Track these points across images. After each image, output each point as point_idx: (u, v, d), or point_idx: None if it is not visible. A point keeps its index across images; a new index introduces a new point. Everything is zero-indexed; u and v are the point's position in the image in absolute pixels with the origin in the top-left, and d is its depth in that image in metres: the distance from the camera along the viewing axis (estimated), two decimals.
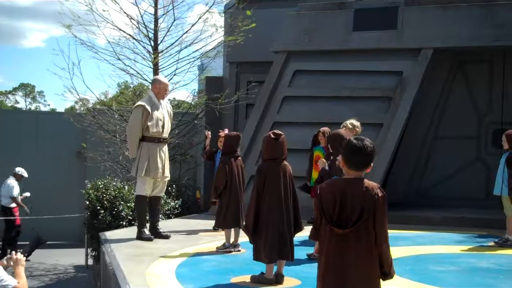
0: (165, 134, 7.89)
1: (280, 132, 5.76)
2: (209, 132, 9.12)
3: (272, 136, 5.68)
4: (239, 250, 7.16)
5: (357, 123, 7.33)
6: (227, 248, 7.15)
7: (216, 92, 13.07)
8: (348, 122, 7.30)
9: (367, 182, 3.42)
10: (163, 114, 7.79)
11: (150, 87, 8.94)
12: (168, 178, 8.02)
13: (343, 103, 11.00)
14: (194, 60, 13.45)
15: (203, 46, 13.48)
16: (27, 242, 4.98)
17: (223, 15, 14.79)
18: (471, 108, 11.85)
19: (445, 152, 11.78)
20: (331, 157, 6.46)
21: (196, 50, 13.60)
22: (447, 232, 9.08)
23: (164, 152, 7.86)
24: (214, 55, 13.99)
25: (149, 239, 7.72)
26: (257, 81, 12.94)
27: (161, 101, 7.85)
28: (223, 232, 7.45)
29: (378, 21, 11.53)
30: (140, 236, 7.80)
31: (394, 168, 11.54)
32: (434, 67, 11.31)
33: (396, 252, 6.89)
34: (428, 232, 9.01)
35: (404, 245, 7.76)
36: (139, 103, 7.79)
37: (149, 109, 7.60)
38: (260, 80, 12.61)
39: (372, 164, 3.49)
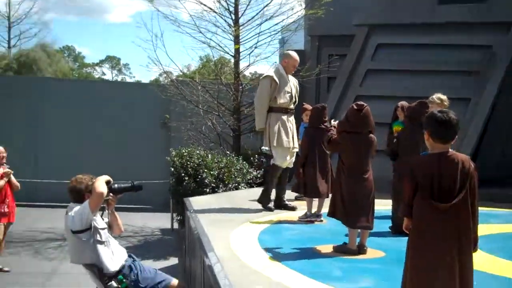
0: (292, 106, 7.97)
1: (363, 103, 5.76)
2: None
3: (355, 107, 5.68)
4: (321, 220, 7.21)
5: (444, 97, 7.23)
6: (309, 217, 7.22)
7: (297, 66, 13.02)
8: (435, 96, 7.21)
9: (458, 154, 3.44)
10: (291, 86, 7.92)
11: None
12: (297, 149, 8.02)
13: (427, 77, 10.81)
14: (275, 34, 13.49)
15: (284, 19, 13.50)
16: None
17: None
18: None
19: None
20: (409, 131, 6.48)
21: (277, 23, 13.62)
22: None
23: (292, 123, 7.95)
24: (295, 28, 13.96)
25: (270, 210, 7.86)
26: (338, 54, 12.87)
27: (289, 75, 7.94)
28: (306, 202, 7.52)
29: None
30: (265, 205, 7.94)
31: (484, 144, 11.18)
32: None
33: (486, 229, 6.71)
34: None
35: (495, 222, 7.56)
36: (267, 73, 7.86)
37: (277, 80, 7.69)
38: (341, 53, 12.54)
39: (456, 136, 3.51)
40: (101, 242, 4.93)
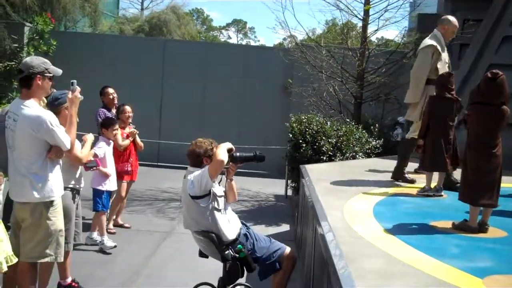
0: None
1: (499, 71, 5.28)
2: None
3: (489, 75, 5.23)
4: (441, 195, 6.85)
5: None
6: (427, 191, 6.88)
7: (428, 31, 12.33)
8: None
9: None
10: (447, 57, 7.52)
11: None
12: None
13: None
14: None
15: None
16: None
17: None
18: None
19: None
20: None
21: None
22: None
23: None
24: None
25: (412, 182, 7.58)
26: (475, 19, 11.95)
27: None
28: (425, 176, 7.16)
29: None
30: (404, 180, 7.67)
31: None
32: None
33: None
34: None
35: None
36: (429, 42, 7.40)
37: (440, 50, 7.29)
38: (479, 18, 11.62)
39: None
40: (219, 210, 4.92)
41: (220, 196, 4.97)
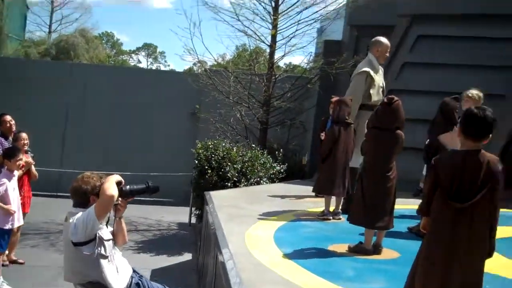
0: None
1: (395, 97, 5.38)
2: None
3: (385, 100, 5.32)
4: (339, 218, 6.89)
5: (479, 93, 6.75)
6: (326, 215, 6.90)
7: (333, 57, 12.65)
8: (471, 91, 6.73)
9: (486, 154, 3.28)
10: (381, 79, 7.46)
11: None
12: None
13: (467, 72, 10.20)
14: (314, 22, 13.11)
15: (324, 7, 13.09)
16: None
17: None
18: None
19: None
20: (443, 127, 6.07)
21: (317, 12, 13.20)
22: None
23: None
24: (334, 17, 13.55)
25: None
26: None
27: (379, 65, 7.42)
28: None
29: None
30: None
31: None
32: None
33: (509, 231, 6.36)
34: None
35: None
36: (362, 68, 7.29)
37: (373, 75, 7.22)
38: None
39: (490, 135, 3.31)
40: (105, 257, 4.14)
41: (108, 240, 4.19)
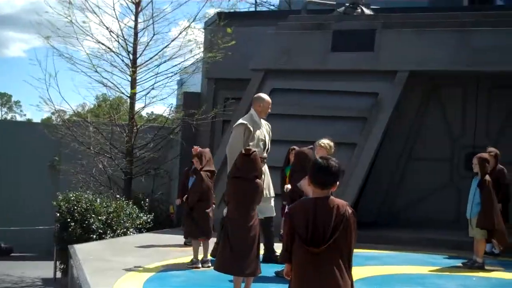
0: (265, 153, 7.60)
1: (252, 148, 5.79)
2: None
3: (243, 152, 5.69)
4: (208, 266, 7.08)
5: (330, 142, 7.35)
6: (195, 264, 7.11)
7: (193, 108, 13.09)
8: (322, 141, 7.32)
9: (336, 200, 3.49)
10: (264, 133, 7.65)
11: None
12: (274, 196, 7.68)
13: (318, 122, 11.04)
14: (173, 75, 13.52)
15: (182, 62, 13.56)
16: None
17: (203, 31, 14.87)
18: (444, 131, 11.98)
19: (418, 174, 11.86)
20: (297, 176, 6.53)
21: (175, 65, 13.65)
22: (417, 252, 9.12)
23: (265, 171, 7.53)
24: (193, 71, 14.07)
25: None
26: (234, 98, 12.96)
27: (262, 119, 7.63)
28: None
29: (355, 43, 11.63)
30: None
31: (367, 187, 11.59)
32: (410, 90, 11.44)
33: (365, 271, 7.01)
34: (398, 252, 9.03)
35: (373, 264, 7.77)
36: (241, 121, 7.43)
37: (251, 128, 7.35)
38: (237, 97, 12.62)
39: (337, 183, 3.57)
40: None
41: None
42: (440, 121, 12.01)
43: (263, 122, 7.68)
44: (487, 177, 7.95)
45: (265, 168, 7.62)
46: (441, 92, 12.09)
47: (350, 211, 3.45)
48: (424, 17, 11.80)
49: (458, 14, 11.86)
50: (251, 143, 7.40)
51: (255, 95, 7.91)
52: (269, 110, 7.68)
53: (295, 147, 8.12)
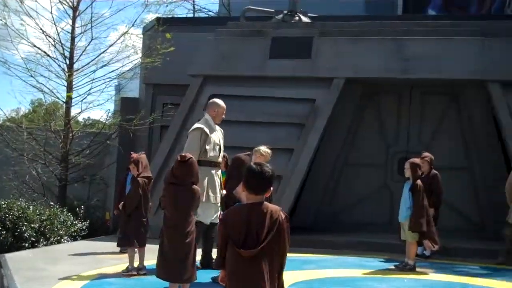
0: (220, 158, 7.64)
1: (189, 155, 5.79)
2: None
3: (179, 158, 5.69)
4: (144, 273, 7.04)
5: (268, 150, 7.46)
6: (130, 271, 7.05)
7: (131, 114, 12.96)
8: (261, 149, 7.42)
9: (269, 205, 3.56)
10: (219, 137, 7.58)
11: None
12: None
13: (257, 129, 11.14)
14: (110, 80, 13.37)
15: (120, 67, 13.42)
16: None
17: (141, 36, 14.75)
18: (379, 136, 12.29)
19: (354, 178, 12.12)
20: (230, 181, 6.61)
21: (113, 71, 13.49)
22: (352, 256, 9.31)
23: (219, 176, 7.59)
24: (131, 76, 13.94)
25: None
26: (173, 103, 12.90)
27: (216, 125, 7.62)
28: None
29: (294, 50, 11.80)
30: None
31: (305, 192, 11.76)
32: (346, 96, 11.68)
33: (301, 275, 7.13)
34: (334, 256, 9.21)
35: (309, 268, 7.88)
36: (197, 125, 7.45)
37: (208, 132, 7.35)
38: (176, 102, 12.57)
39: (271, 188, 3.64)
40: None
41: None
42: (374, 127, 12.32)
43: (217, 127, 7.75)
44: (419, 182, 8.23)
45: (219, 173, 7.67)
46: (376, 99, 12.41)
47: (283, 216, 3.52)
48: (360, 25, 12.09)
49: (392, 23, 12.22)
50: (207, 147, 7.44)
51: (210, 100, 8.00)
52: (223, 116, 7.76)
53: (225, 154, 8.17)
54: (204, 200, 7.36)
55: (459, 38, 11.15)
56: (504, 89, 10.65)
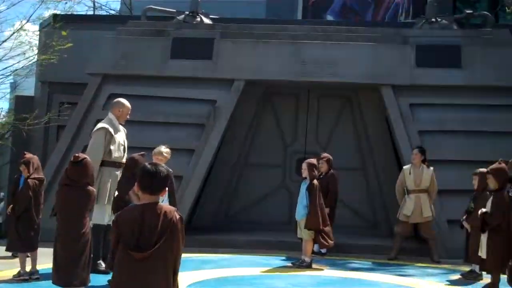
0: (124, 159, 7.35)
1: (83, 155, 5.71)
2: None
3: (72, 159, 5.61)
4: (37, 278, 6.83)
5: (166, 149, 7.46)
6: (22, 276, 6.82)
7: (26, 112, 12.44)
8: (162, 149, 7.41)
9: (163, 206, 3.56)
10: (123, 138, 7.25)
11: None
12: None
13: (157, 129, 11.06)
14: (4, 78, 12.78)
15: (14, 64, 12.87)
16: None
17: (37, 33, 14.22)
18: (278, 137, 12.54)
19: (254, 179, 12.28)
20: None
21: (6, 68, 12.91)
22: (251, 255, 9.47)
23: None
24: (26, 73, 13.40)
25: (106, 272, 6.81)
26: (70, 102, 12.51)
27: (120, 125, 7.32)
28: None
29: (195, 51, 11.79)
30: (96, 269, 6.91)
31: (205, 193, 11.81)
32: (246, 98, 11.84)
33: (200, 275, 7.19)
34: (234, 255, 9.32)
35: (209, 268, 7.95)
36: (101, 125, 7.19)
37: (112, 132, 7.06)
38: (73, 101, 12.21)
39: (166, 188, 3.66)
40: None
41: None
42: (274, 128, 12.56)
43: (121, 127, 7.62)
44: (315, 182, 8.51)
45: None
46: (275, 100, 12.66)
47: (178, 216, 3.52)
48: (260, 28, 12.29)
49: (291, 27, 12.52)
50: (112, 147, 7.32)
51: (115, 100, 7.88)
52: (128, 116, 7.64)
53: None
54: (105, 202, 7.26)
55: (354, 44, 11.58)
56: (395, 93, 11.19)
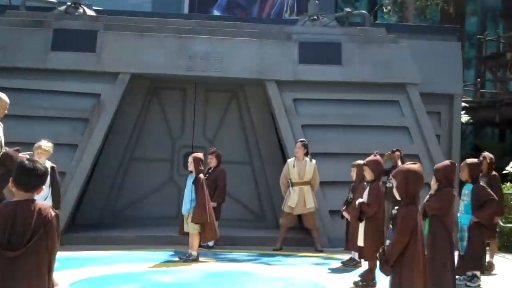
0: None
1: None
2: None
3: None
4: None
5: (48, 143, 7.24)
6: None
7: None
8: (43, 144, 7.18)
9: (38, 203, 3.50)
10: (1, 134, 6.65)
11: None
12: None
13: (36, 123, 10.62)
14: None
15: None
16: None
17: None
18: (165, 131, 12.47)
19: (141, 173, 12.13)
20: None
21: None
22: (139, 250, 9.39)
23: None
24: None
25: None
26: None
27: None
28: None
29: (77, 43, 11.42)
30: None
31: (90, 188, 11.52)
32: (132, 91, 11.67)
33: (83, 273, 7.08)
34: (121, 252, 9.19)
35: (93, 265, 7.82)
36: None
37: None
38: None
39: (43, 186, 3.61)
40: None
41: None
42: (161, 123, 12.47)
43: None
44: (201, 175, 8.58)
45: None
46: (162, 94, 12.57)
47: (53, 213, 3.48)
48: (146, 21, 12.14)
49: (177, 21, 12.48)
50: None
51: None
52: (6, 111, 7.28)
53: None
54: None
55: (239, 39, 11.74)
56: (279, 88, 11.48)
